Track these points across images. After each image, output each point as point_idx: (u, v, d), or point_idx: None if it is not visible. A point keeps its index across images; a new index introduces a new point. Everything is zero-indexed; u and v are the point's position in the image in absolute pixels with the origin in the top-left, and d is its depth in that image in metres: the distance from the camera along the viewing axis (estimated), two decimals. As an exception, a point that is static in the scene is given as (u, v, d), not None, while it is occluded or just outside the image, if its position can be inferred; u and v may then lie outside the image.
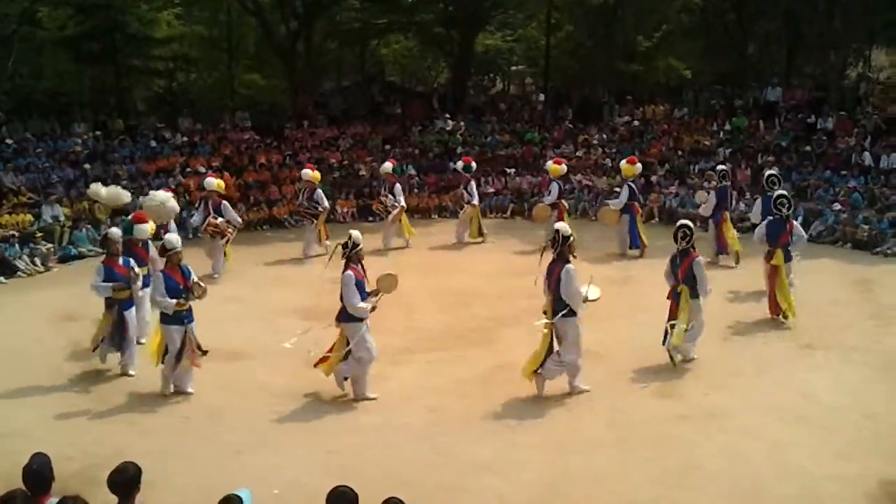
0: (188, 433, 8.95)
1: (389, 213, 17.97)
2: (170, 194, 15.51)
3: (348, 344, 9.67)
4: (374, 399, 9.77)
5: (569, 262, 9.55)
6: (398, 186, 18.42)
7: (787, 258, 12.14)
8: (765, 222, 12.65)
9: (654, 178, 21.97)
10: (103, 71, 26.42)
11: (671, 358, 10.44)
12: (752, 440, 8.43)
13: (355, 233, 9.92)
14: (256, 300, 14.09)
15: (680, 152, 23.11)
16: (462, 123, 26.11)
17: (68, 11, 25.78)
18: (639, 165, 17.95)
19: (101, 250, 17.98)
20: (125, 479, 5.07)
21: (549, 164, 18.56)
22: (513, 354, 11.07)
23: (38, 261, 16.99)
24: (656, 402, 9.50)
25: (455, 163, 23.97)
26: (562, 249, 9.57)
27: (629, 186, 17.03)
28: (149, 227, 12.23)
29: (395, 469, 7.97)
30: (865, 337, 11.59)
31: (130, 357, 10.70)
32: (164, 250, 10.12)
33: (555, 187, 17.69)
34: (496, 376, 10.37)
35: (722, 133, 23.59)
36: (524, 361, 9.62)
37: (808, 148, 21.62)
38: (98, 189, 15.99)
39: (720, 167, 16.37)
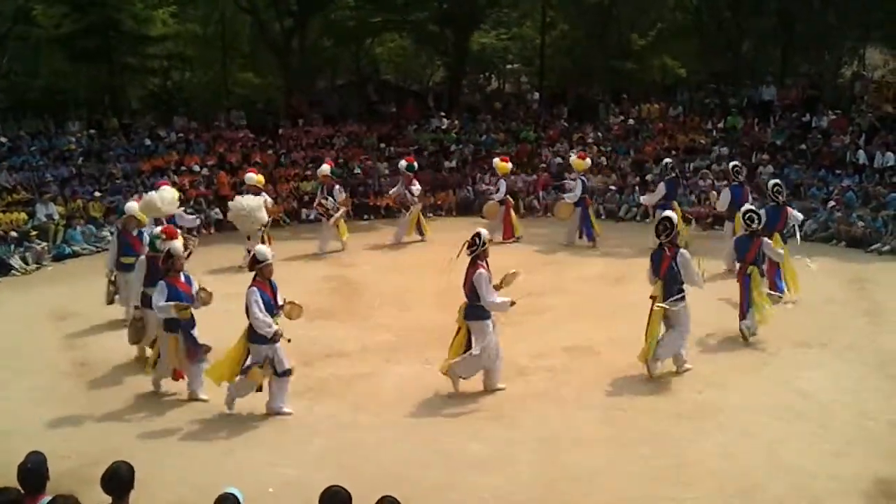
0: (182, 431, 8.93)
1: (331, 216, 17.44)
2: (261, 201, 15.95)
3: (469, 343, 9.62)
4: (502, 389, 9.82)
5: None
6: (337, 188, 17.85)
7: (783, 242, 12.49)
8: (763, 209, 12.49)
9: (648, 177, 22.00)
10: (98, 69, 26.35)
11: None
12: (747, 438, 8.44)
13: (484, 231, 9.77)
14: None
15: (674, 151, 23.12)
16: (457, 122, 26.14)
17: (63, 9, 25.66)
18: (588, 160, 18.64)
19: (95, 248, 18.10)
20: (119, 479, 5.05)
21: (497, 162, 18.80)
22: (507, 352, 11.08)
23: (30, 259, 16.94)
24: (651, 399, 9.50)
25: (450, 161, 24.06)
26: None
27: (581, 180, 17.72)
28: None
29: (390, 467, 7.96)
30: (860, 335, 11.60)
31: (200, 381, 9.81)
32: (255, 262, 9.35)
33: (503, 184, 18.34)
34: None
35: (716, 132, 23.62)
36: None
37: (802, 146, 21.66)
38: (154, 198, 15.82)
39: (733, 164, 16.23)
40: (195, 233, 15.84)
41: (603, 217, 20.80)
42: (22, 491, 4.99)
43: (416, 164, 19.13)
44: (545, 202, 22.07)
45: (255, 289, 9.08)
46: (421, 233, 18.54)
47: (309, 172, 22.79)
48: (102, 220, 19.27)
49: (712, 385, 9.87)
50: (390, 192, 20.25)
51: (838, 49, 27.18)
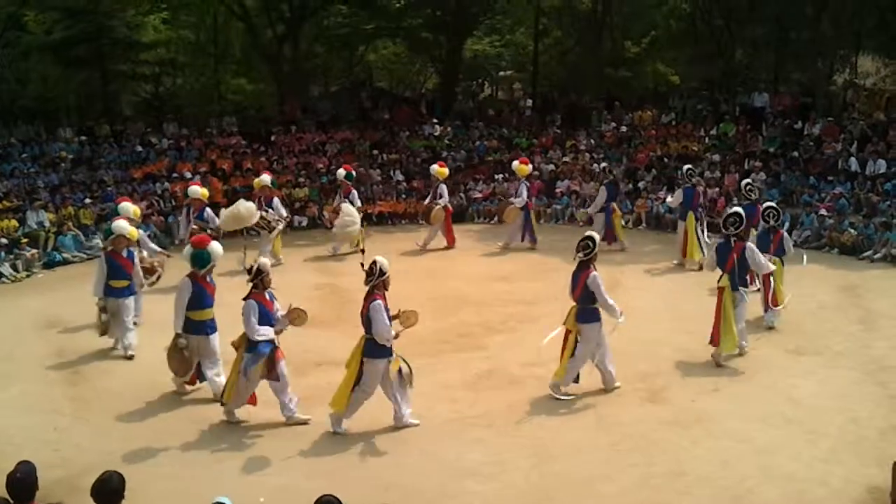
0: (174, 440, 8.87)
1: (273, 228, 16.60)
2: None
3: (576, 347, 9.70)
4: (618, 387, 9.93)
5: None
6: (276, 200, 17.39)
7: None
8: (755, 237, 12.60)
9: (641, 184, 22.06)
10: (90, 76, 26.26)
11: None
12: (740, 445, 8.45)
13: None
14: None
15: (667, 158, 23.17)
16: (450, 129, 26.14)
17: (55, 16, 25.64)
18: (529, 166, 19.06)
19: (85, 255, 18.02)
20: (108, 489, 5.03)
21: (435, 168, 18.74)
22: (500, 360, 11.09)
23: (21, 266, 16.87)
24: (643, 407, 9.51)
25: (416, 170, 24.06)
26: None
27: (526, 185, 18.34)
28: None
29: (382, 475, 7.95)
30: (852, 342, 11.63)
31: (292, 404, 9.33)
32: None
33: (444, 189, 18.41)
34: (483, 382, 10.37)
35: (708, 139, 23.68)
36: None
37: (795, 154, 21.71)
38: (240, 210, 15.60)
39: (746, 181, 16.19)
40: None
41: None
42: (11, 500, 4.97)
43: (353, 172, 18.77)
44: (537, 209, 22.08)
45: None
46: (358, 244, 17.40)
47: (301, 179, 22.78)
48: (94, 228, 19.19)
49: (705, 393, 9.88)
50: (331, 202, 19.42)
51: (830, 57, 27.26)
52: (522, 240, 18.38)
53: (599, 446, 8.56)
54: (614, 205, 18.08)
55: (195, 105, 29.10)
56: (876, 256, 16.69)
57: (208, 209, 16.11)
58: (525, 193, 18.23)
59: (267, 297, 9.16)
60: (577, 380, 9.89)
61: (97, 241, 18.56)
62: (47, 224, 18.58)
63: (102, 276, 11.52)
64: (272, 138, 24.85)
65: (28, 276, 16.85)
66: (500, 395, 9.86)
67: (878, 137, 20.85)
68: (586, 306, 9.70)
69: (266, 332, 8.91)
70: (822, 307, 13.19)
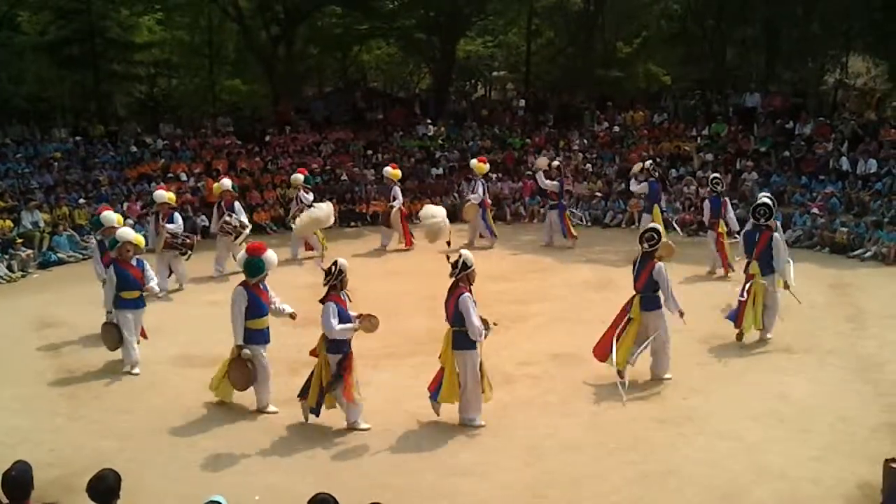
0: (168, 439, 8.92)
1: (239, 233, 15.88)
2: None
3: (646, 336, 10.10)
4: (669, 379, 10.23)
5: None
6: (237, 205, 16.54)
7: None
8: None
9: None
10: (84, 76, 26.30)
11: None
12: (731, 443, 8.51)
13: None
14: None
15: (659, 158, 23.25)
16: (443, 129, 26.20)
17: (48, 16, 25.66)
18: (487, 165, 19.28)
19: (80, 255, 18.03)
20: (105, 487, 5.05)
21: (388, 170, 18.78)
22: (493, 359, 11.11)
23: (16, 266, 16.87)
24: (635, 405, 9.56)
25: (437, 167, 24.10)
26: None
27: (482, 183, 18.61)
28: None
29: (377, 474, 7.99)
30: (843, 340, 11.71)
31: (356, 411, 9.17)
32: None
33: (397, 191, 18.50)
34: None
35: (700, 139, 23.77)
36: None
37: (786, 153, 21.83)
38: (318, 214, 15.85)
39: (714, 175, 16.29)
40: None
41: (588, 224, 21.00)
42: (6, 500, 4.99)
43: (310, 176, 18.64)
44: (531, 208, 22.19)
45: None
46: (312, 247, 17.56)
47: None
48: (88, 228, 19.19)
49: (697, 391, 9.94)
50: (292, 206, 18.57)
51: (821, 57, 27.44)
52: (481, 236, 18.68)
53: (592, 445, 8.61)
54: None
55: (190, 105, 29.17)
56: (867, 255, 16.81)
57: (177, 213, 15.44)
58: (481, 191, 18.49)
59: (343, 297, 9.13)
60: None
61: (92, 240, 18.61)
62: (42, 224, 18.58)
63: (112, 288, 10.85)
64: (266, 139, 24.87)
65: (23, 276, 16.86)
66: (494, 395, 9.88)
67: (869, 137, 20.99)
68: (648, 294, 10.13)
69: (344, 330, 8.92)
70: (812, 306, 13.24)
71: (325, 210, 16.91)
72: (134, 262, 11.00)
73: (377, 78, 36.69)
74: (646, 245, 10.16)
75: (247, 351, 9.38)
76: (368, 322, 9.06)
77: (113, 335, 10.87)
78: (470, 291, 9.03)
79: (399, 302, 13.64)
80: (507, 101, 32.09)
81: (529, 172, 23.53)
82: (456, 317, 8.93)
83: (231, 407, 9.74)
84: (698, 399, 9.71)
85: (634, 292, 10.27)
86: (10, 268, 16.78)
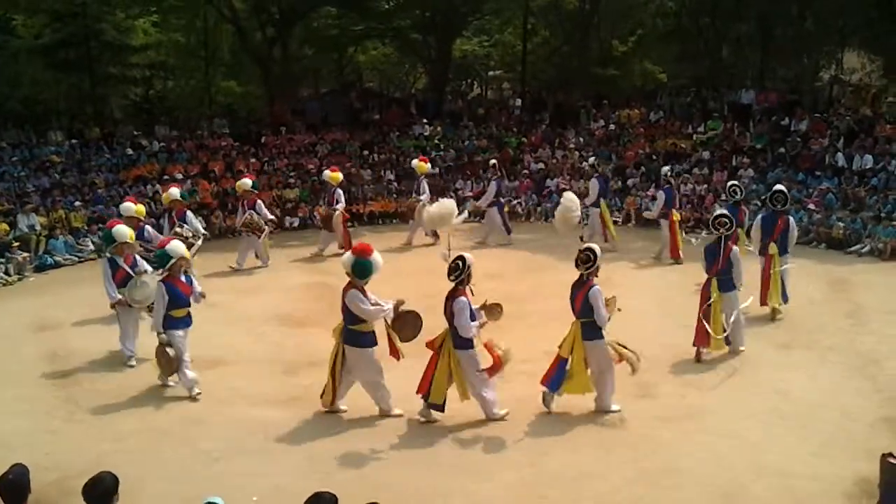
0: (166, 440, 8.90)
1: (192, 244, 14.53)
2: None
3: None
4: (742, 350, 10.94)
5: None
6: (189, 214, 15.71)
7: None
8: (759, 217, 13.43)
9: (630, 182, 22.15)
10: (79, 79, 26.26)
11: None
12: (730, 440, 8.51)
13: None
14: (235, 307, 14.05)
15: (655, 156, 23.27)
16: (440, 128, 26.19)
17: (44, 19, 25.62)
18: (428, 164, 19.44)
19: (77, 258, 18.02)
20: (101, 490, 4.97)
21: (327, 174, 18.50)
22: (489, 358, 11.09)
23: (12, 269, 16.84)
24: (635, 403, 9.54)
25: (433, 167, 24.08)
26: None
27: (425, 182, 18.87)
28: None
29: (376, 474, 7.98)
30: (841, 336, 11.73)
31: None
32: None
33: (339, 193, 18.26)
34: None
35: (696, 136, 23.78)
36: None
37: (782, 150, 21.84)
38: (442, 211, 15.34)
39: (732, 183, 16.09)
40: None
41: (585, 222, 20.94)
42: (3, 503, 4.96)
43: (257, 182, 18.10)
44: (527, 208, 22.20)
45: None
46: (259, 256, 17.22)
47: (292, 180, 22.81)
48: (85, 231, 19.18)
49: (696, 388, 9.95)
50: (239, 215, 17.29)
51: (816, 53, 27.46)
52: (427, 234, 18.69)
53: (592, 443, 8.61)
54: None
55: (186, 107, 29.12)
56: (863, 250, 16.83)
57: (148, 227, 14.81)
58: (427, 189, 18.71)
59: (468, 291, 9.11)
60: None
61: (89, 243, 18.60)
62: (38, 227, 18.53)
63: (162, 308, 10.06)
64: (262, 140, 24.85)
65: (19, 279, 16.83)
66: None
67: (865, 133, 20.99)
68: (726, 278, 10.87)
69: (475, 330, 8.97)
70: (811, 302, 13.28)
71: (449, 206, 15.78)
72: (183, 278, 10.34)
73: (373, 78, 36.71)
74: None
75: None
76: (495, 312, 9.22)
77: (168, 360, 10.02)
78: (466, 294, 9.02)
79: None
80: (503, 100, 32.09)
81: (526, 171, 23.57)
82: (584, 309, 9.25)
83: (228, 408, 9.72)
84: (698, 397, 9.71)
85: (710, 276, 10.95)
86: (6, 271, 16.76)
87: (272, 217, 17.56)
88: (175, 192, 15.84)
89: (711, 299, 10.84)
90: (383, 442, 8.74)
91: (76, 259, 18.17)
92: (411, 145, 25.36)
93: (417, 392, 9.19)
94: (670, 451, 8.33)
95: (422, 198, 18.41)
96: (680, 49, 29.47)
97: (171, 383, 10.35)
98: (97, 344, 11.98)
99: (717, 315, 10.82)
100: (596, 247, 9.54)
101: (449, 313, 8.98)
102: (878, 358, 10.77)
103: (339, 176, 18.69)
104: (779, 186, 13.73)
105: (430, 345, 9.17)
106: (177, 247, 10.32)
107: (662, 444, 8.50)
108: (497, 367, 9.05)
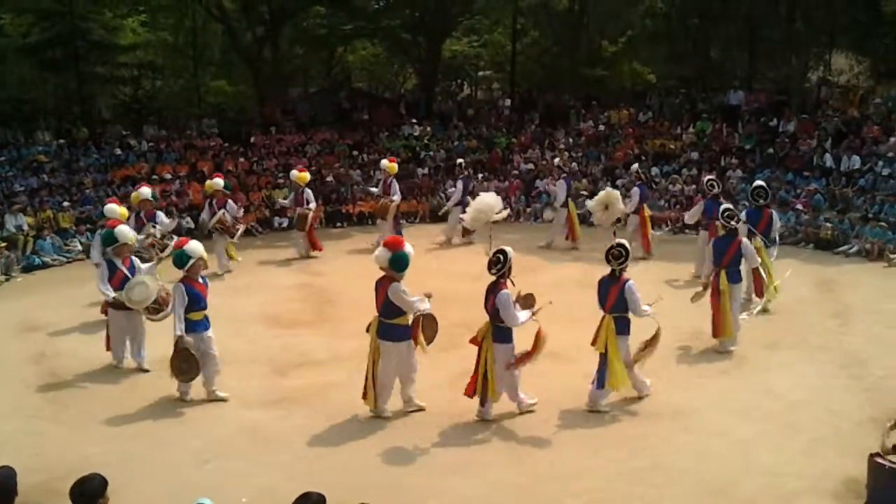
0: (155, 441, 8.86)
1: (166, 246, 13.74)
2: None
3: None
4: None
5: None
6: (160, 214, 15.11)
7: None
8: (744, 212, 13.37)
9: (619, 182, 22.15)
10: (67, 78, 26.15)
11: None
12: (718, 438, 8.55)
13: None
14: (223, 307, 13.97)
15: (644, 157, 23.33)
16: (429, 129, 26.19)
17: (31, 19, 25.50)
18: (396, 165, 19.19)
19: (64, 259, 17.93)
20: (89, 491, 4.92)
21: (295, 173, 18.33)
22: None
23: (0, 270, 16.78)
24: (622, 402, 9.57)
25: (423, 167, 24.07)
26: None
27: (393, 182, 18.64)
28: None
29: (365, 475, 7.97)
30: (829, 336, 11.80)
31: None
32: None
33: (309, 193, 18.19)
34: (463, 380, 10.31)
35: (685, 136, 23.85)
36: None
37: (770, 150, 21.92)
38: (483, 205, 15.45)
39: (709, 177, 16.25)
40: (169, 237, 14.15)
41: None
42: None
43: (228, 182, 17.77)
44: (517, 208, 22.21)
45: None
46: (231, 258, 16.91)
47: (281, 180, 22.74)
48: (73, 231, 19.09)
49: (685, 387, 9.98)
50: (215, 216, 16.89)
51: (804, 54, 27.54)
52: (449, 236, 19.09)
53: (580, 442, 8.63)
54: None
55: (174, 107, 29.01)
56: (851, 251, 16.93)
57: (161, 213, 15.07)
58: (398, 190, 18.75)
59: (510, 283, 9.22)
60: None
61: (77, 244, 18.51)
62: (26, 228, 18.44)
63: (182, 309, 9.66)
64: (252, 140, 24.79)
65: (7, 280, 16.73)
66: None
67: (852, 134, 21.10)
68: (734, 270, 11.19)
69: (524, 318, 9.01)
70: (799, 301, 13.34)
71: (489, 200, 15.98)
72: (201, 280, 10.02)
73: (362, 78, 36.66)
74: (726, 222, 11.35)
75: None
76: (529, 301, 9.37)
77: (190, 367, 9.61)
78: (508, 286, 9.12)
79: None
80: (492, 100, 32.11)
81: (515, 172, 23.58)
82: (618, 303, 9.38)
83: (217, 409, 9.69)
84: (685, 395, 9.74)
85: (719, 267, 11.17)
86: (-7, 271, 16.69)
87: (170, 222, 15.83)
88: (146, 191, 15.10)
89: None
90: (371, 442, 8.74)
91: (64, 259, 18.08)
92: (400, 146, 25.34)
93: (465, 393, 9.24)
94: (657, 450, 8.36)
95: (394, 198, 18.37)
96: (669, 50, 29.54)
97: (188, 396, 9.91)
98: (84, 345, 11.94)
99: (726, 305, 11.14)
100: (625, 242, 9.85)
101: (491, 307, 9.01)
102: (866, 357, 10.84)
103: (307, 176, 18.55)
104: (759, 182, 14.23)
105: (473, 341, 9.21)
106: (196, 247, 9.88)
107: (650, 442, 8.53)
108: (534, 351, 9.10)
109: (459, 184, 19.38)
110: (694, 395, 9.76)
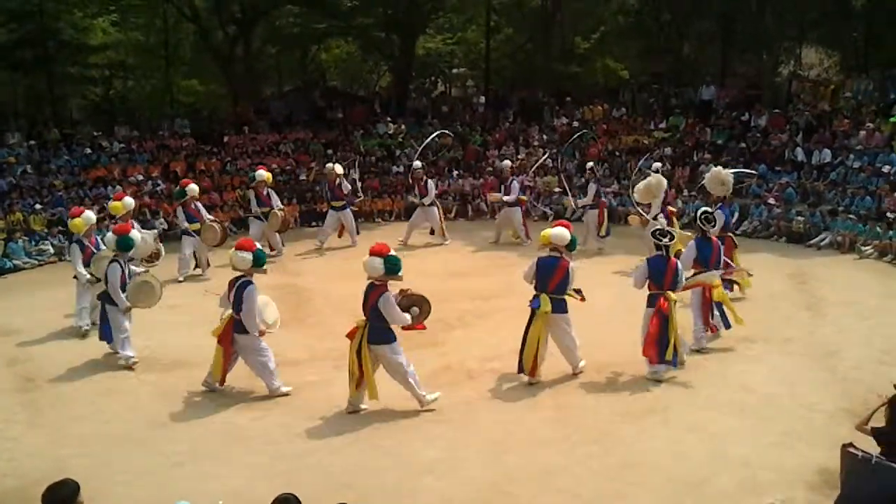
0: (129, 444, 8.79)
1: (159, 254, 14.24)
2: None
3: None
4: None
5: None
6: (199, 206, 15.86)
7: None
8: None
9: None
10: (37, 79, 25.88)
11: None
12: (693, 433, 8.60)
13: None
14: (199, 308, 13.90)
15: (618, 152, 23.45)
16: (403, 126, 26.15)
17: (0, 19, 25.21)
18: (268, 172, 18.48)
19: (36, 262, 17.74)
20: (61, 497, 4.89)
21: (261, 173, 18.01)
22: (457, 356, 11.15)
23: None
24: (598, 398, 9.61)
25: (397, 165, 24.05)
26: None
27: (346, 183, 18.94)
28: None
29: (341, 474, 7.95)
30: (801, 328, 11.92)
31: None
32: None
33: (273, 197, 18.09)
34: (441, 378, 10.40)
35: (659, 132, 23.98)
36: None
37: (742, 145, 22.10)
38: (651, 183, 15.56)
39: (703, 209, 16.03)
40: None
41: (550, 218, 21.04)
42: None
43: (191, 186, 16.95)
44: (492, 205, 22.22)
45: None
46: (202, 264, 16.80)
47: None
48: (45, 233, 18.89)
49: (659, 383, 10.02)
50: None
51: (775, 49, 27.78)
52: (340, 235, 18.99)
53: (555, 439, 8.65)
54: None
55: (146, 107, 28.80)
56: (823, 243, 17.10)
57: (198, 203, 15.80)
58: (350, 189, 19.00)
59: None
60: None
61: (48, 246, 18.31)
62: (-4, 231, 18.25)
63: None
64: (225, 139, 24.64)
65: (-23, 284, 16.56)
66: (458, 391, 9.91)
67: (823, 128, 21.31)
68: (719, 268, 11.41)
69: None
70: (771, 295, 13.46)
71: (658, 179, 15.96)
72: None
73: (336, 77, 36.55)
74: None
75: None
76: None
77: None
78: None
79: (358, 302, 13.58)
80: (467, 97, 32.10)
81: (490, 169, 23.59)
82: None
83: (192, 410, 9.64)
84: (660, 390, 9.80)
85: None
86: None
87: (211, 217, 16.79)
88: (130, 202, 14.60)
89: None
90: (347, 442, 8.71)
91: (36, 262, 17.89)
92: (375, 144, 25.29)
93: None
94: (634, 445, 8.40)
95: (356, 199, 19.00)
96: (642, 46, 29.70)
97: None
98: (57, 348, 11.83)
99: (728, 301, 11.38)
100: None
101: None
102: (838, 349, 10.95)
103: (269, 175, 18.40)
104: (703, 207, 12.56)
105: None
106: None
107: (626, 439, 8.57)
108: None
109: (430, 183, 19.05)
110: (668, 390, 9.82)
